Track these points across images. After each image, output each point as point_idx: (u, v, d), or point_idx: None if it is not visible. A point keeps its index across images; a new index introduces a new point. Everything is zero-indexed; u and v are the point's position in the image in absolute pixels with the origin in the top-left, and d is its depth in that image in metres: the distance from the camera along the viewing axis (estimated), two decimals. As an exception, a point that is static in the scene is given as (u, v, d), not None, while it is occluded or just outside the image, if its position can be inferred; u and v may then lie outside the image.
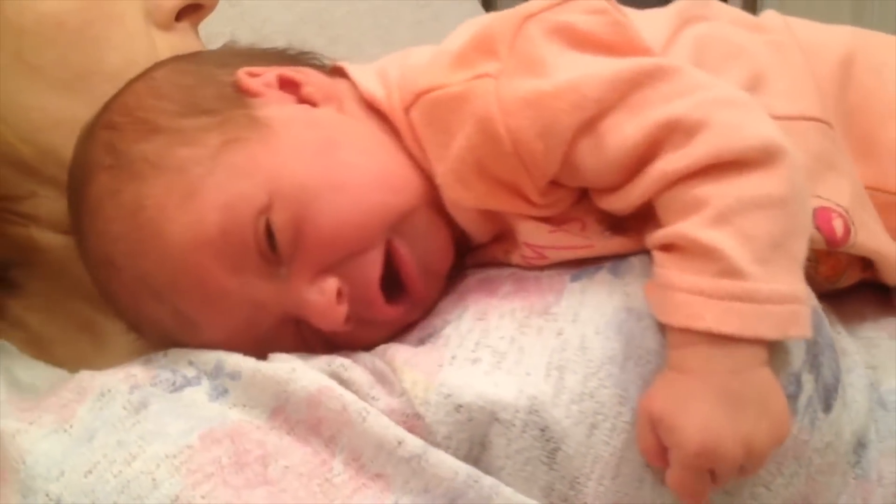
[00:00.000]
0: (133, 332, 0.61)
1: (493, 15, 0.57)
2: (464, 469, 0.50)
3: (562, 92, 0.52)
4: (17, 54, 0.60)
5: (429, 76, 0.56)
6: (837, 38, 0.67)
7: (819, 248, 0.58)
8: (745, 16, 0.68)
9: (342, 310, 0.55)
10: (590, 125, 0.52)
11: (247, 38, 1.07)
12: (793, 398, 0.53)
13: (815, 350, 0.54)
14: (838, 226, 0.58)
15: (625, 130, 0.52)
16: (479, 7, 1.43)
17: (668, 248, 0.51)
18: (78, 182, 0.59)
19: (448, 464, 0.50)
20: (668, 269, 0.51)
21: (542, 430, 0.51)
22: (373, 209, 0.56)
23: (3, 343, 0.65)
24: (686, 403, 0.50)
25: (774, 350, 0.51)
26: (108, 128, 0.58)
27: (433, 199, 0.58)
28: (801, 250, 0.51)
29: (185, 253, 0.54)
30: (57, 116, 0.61)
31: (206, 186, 0.54)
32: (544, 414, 0.51)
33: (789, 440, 0.52)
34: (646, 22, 0.61)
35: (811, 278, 0.56)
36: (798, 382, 0.53)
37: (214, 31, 0.73)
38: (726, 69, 0.61)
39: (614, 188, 0.54)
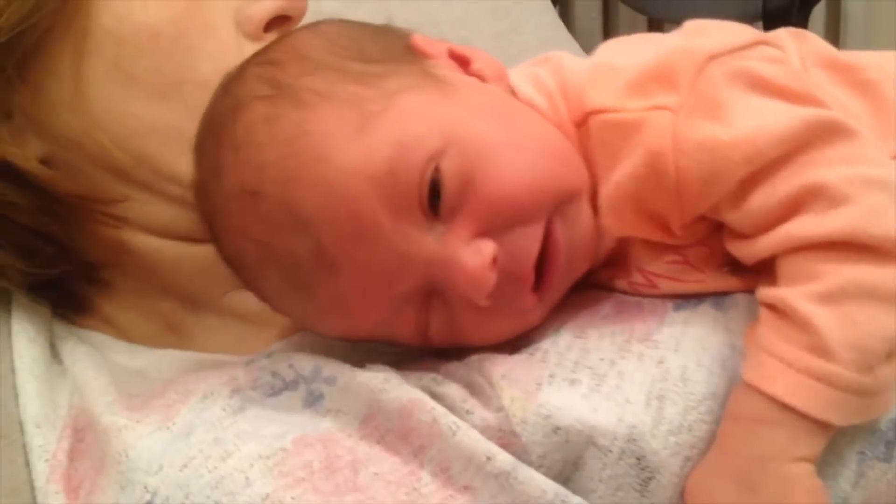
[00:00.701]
0: (249, 285, 0.59)
1: (672, 46, 0.57)
2: (552, 488, 0.50)
3: (738, 144, 0.51)
4: (114, 63, 0.61)
5: (601, 96, 0.55)
6: None
7: None
8: (833, 52, 0.66)
9: (493, 276, 0.52)
10: (752, 178, 0.51)
11: None
12: (891, 444, 0.52)
13: None
14: None
15: (776, 190, 0.51)
16: (556, 17, 1.43)
17: (772, 307, 0.51)
18: (221, 117, 0.56)
19: (537, 482, 0.50)
20: (765, 326, 0.50)
21: (639, 459, 0.51)
22: (549, 175, 0.54)
23: (100, 335, 0.67)
24: (703, 485, 0.51)
25: None
26: (266, 64, 0.57)
27: (592, 197, 0.56)
28: None
29: (347, 182, 0.51)
30: (151, 123, 0.62)
31: (380, 122, 0.52)
32: (642, 444, 0.51)
33: (883, 485, 0.52)
34: None
35: None
36: None
37: None
38: None
39: (747, 236, 0.53)
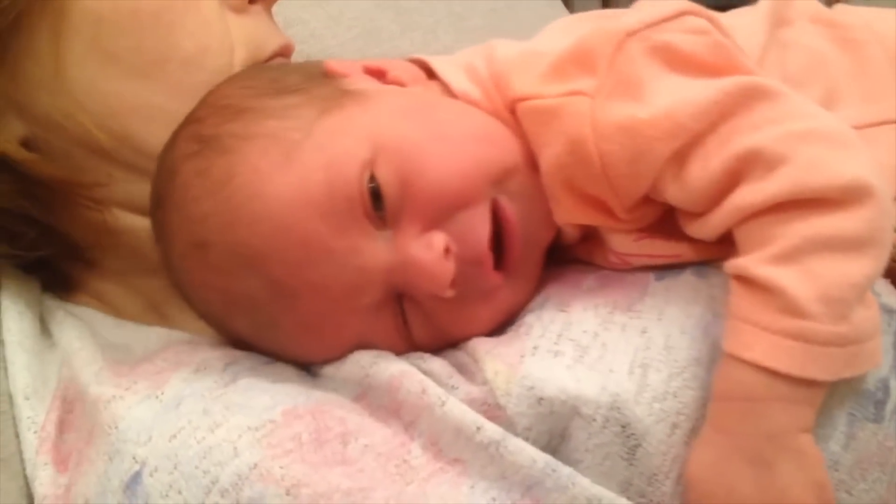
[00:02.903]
0: (226, 334, 0.61)
1: (593, 25, 0.58)
2: (542, 458, 0.51)
3: (657, 120, 0.52)
4: (94, 42, 0.62)
5: (523, 82, 0.57)
6: None
7: None
8: (824, 11, 0.68)
9: (450, 266, 0.54)
10: (680, 154, 0.53)
11: (322, 24, 1.09)
12: (880, 404, 0.53)
13: None
14: None
15: (710, 162, 0.52)
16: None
17: (738, 277, 0.52)
18: (163, 183, 0.59)
19: (527, 452, 0.51)
20: (735, 296, 0.51)
21: (623, 427, 0.52)
22: (476, 158, 0.56)
23: (89, 310, 0.68)
24: (712, 470, 0.51)
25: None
26: (191, 123, 0.59)
27: (535, 167, 0.58)
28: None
29: (285, 212, 0.53)
30: (132, 102, 0.63)
31: (305, 149, 0.54)
32: (626, 411, 0.52)
33: (874, 446, 0.53)
34: (740, 27, 0.62)
35: None
36: (886, 388, 0.53)
37: (291, 16, 0.73)
38: (807, 83, 0.61)
39: (697, 215, 0.54)
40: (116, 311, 0.69)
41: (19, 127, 0.63)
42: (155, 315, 0.69)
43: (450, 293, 0.54)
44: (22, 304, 0.65)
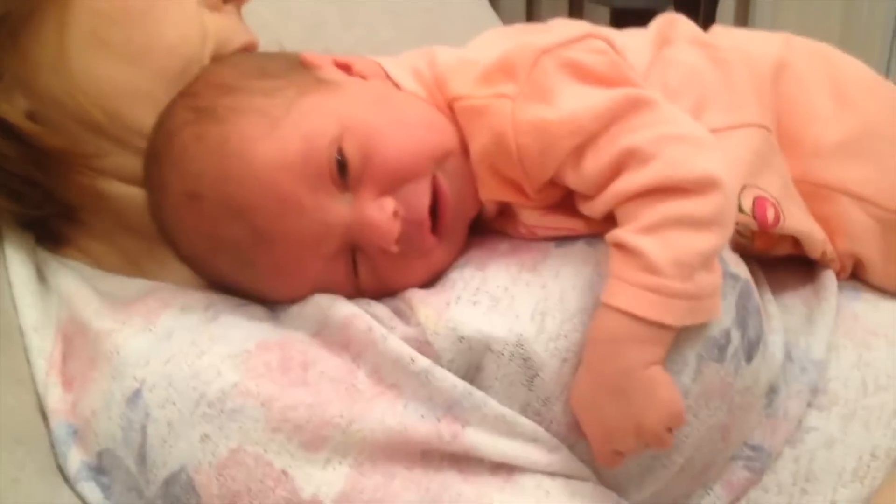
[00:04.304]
0: (205, 273, 0.68)
1: (516, 41, 0.66)
2: (461, 384, 0.61)
3: (563, 121, 0.61)
4: (92, 32, 0.67)
5: (459, 85, 0.66)
6: (771, 47, 0.76)
7: (754, 230, 0.70)
8: (700, 34, 0.77)
9: (396, 225, 0.62)
10: (579, 148, 0.61)
11: (274, 17, 1.14)
12: (722, 348, 0.63)
13: (744, 313, 0.65)
14: (770, 214, 0.69)
15: (600, 156, 0.60)
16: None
17: (615, 245, 0.60)
18: (159, 146, 0.65)
19: (449, 379, 0.60)
20: (611, 259, 0.60)
21: (525, 360, 0.62)
22: (424, 141, 0.64)
23: (78, 264, 0.74)
24: (587, 400, 0.61)
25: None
26: (186, 97, 0.66)
27: (466, 153, 0.66)
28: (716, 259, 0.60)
29: (268, 174, 0.61)
30: (123, 86, 0.68)
31: (286, 123, 0.62)
32: (527, 348, 0.61)
33: (716, 381, 0.62)
34: (631, 47, 0.71)
35: (748, 250, 0.68)
36: (727, 336, 0.63)
37: (247, 8, 0.79)
38: (683, 93, 0.71)
39: (589, 197, 0.63)
40: (100, 265, 0.74)
41: (25, 102, 0.69)
42: (134, 269, 0.74)
43: (395, 248, 0.62)
44: (23, 254, 0.71)
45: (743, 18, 2.11)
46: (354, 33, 1.21)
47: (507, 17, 1.44)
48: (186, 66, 0.69)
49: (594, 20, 0.82)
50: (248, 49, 0.76)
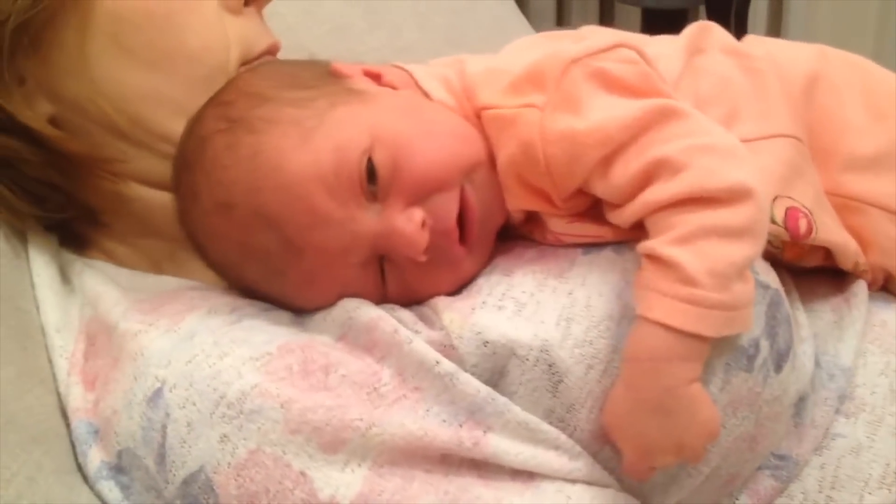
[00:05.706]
0: (234, 281, 0.68)
1: (546, 50, 0.66)
2: (484, 389, 0.61)
3: (592, 131, 0.61)
4: (113, 38, 0.68)
5: (487, 95, 0.66)
6: (806, 58, 0.75)
7: (785, 240, 0.69)
8: (733, 43, 0.76)
9: (425, 236, 0.62)
10: (607, 158, 0.61)
11: (298, 19, 1.14)
12: (751, 358, 0.62)
13: (773, 322, 0.64)
14: (803, 224, 0.68)
15: (630, 166, 0.60)
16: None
17: (647, 256, 0.60)
18: (191, 154, 0.65)
19: (473, 384, 0.60)
20: (645, 271, 0.60)
21: (550, 366, 0.61)
22: (453, 153, 0.65)
23: (103, 264, 0.75)
24: (624, 417, 0.60)
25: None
26: (218, 105, 0.66)
27: (493, 163, 0.66)
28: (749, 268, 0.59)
29: (300, 186, 0.61)
30: (144, 91, 0.69)
31: (319, 134, 0.63)
32: (552, 353, 0.61)
33: (744, 391, 0.62)
34: (663, 55, 0.70)
35: (778, 260, 0.67)
36: (757, 346, 0.63)
37: (270, 9, 0.78)
38: (714, 102, 0.70)
39: (616, 206, 0.63)
40: (123, 267, 0.75)
41: (48, 107, 0.70)
42: (156, 271, 0.75)
43: (423, 258, 0.63)
44: (47, 256, 0.73)
45: (776, 24, 2.09)
46: (379, 35, 1.21)
47: (536, 18, 1.43)
48: (209, 74, 0.70)
49: (625, 20, 0.82)
50: (272, 52, 0.76)
